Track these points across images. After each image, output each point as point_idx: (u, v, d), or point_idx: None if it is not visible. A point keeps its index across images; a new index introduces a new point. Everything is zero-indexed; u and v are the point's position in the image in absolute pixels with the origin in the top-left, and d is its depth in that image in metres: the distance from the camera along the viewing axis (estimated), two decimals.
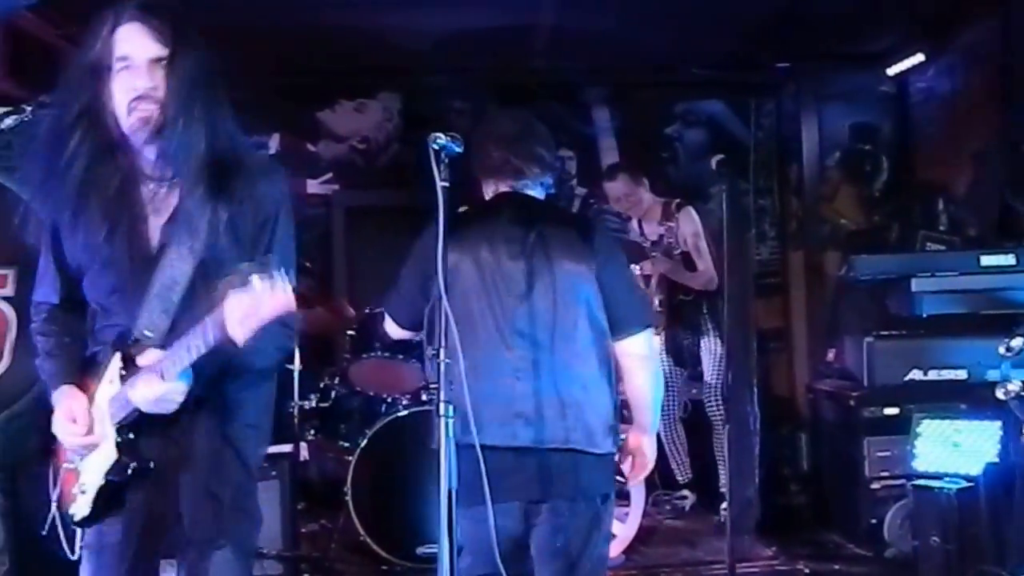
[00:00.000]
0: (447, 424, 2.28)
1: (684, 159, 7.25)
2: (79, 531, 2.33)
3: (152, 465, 2.24)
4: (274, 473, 4.44)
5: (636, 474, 2.99)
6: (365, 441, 4.71)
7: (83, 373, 2.31)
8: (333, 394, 5.29)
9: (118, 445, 2.22)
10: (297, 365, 4.82)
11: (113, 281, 2.24)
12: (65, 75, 2.20)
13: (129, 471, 2.22)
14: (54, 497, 2.38)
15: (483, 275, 2.78)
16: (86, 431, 2.26)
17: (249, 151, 2.35)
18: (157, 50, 2.15)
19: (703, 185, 6.87)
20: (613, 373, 2.84)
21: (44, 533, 2.36)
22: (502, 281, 2.77)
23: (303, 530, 4.98)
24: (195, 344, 2.01)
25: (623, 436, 2.92)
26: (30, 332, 2.43)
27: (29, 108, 2.24)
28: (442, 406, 2.29)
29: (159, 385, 2.10)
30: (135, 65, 2.14)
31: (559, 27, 5.90)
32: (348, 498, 4.62)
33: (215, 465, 2.26)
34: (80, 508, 2.31)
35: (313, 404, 5.20)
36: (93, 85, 2.16)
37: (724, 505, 5.04)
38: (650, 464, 2.99)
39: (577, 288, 2.77)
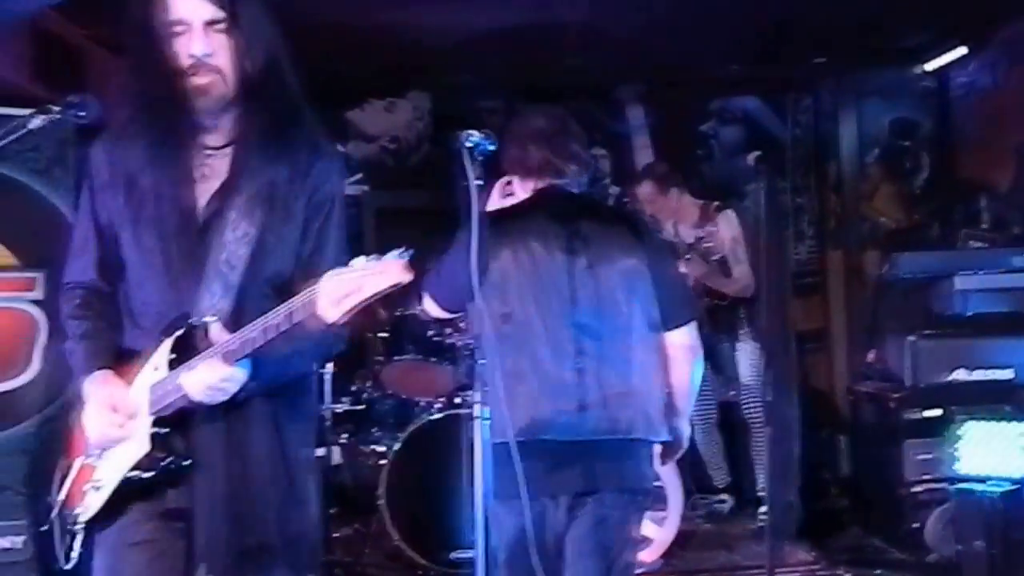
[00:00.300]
0: (482, 426, 2.28)
1: (719, 156, 7.18)
2: (77, 536, 2.17)
3: (189, 463, 2.09)
4: None
5: (671, 456, 3.08)
6: (398, 445, 4.68)
7: (119, 361, 2.17)
8: (365, 397, 5.27)
9: (153, 437, 2.08)
10: (329, 368, 4.81)
11: (155, 246, 2.10)
12: (126, 33, 2.09)
13: (161, 466, 2.08)
14: (59, 496, 2.22)
15: (532, 271, 2.78)
16: (124, 421, 2.11)
17: (314, 127, 2.21)
18: (212, 11, 2.03)
19: (739, 183, 6.76)
20: (662, 363, 2.90)
21: (41, 534, 2.24)
22: (551, 276, 2.78)
23: (336, 535, 4.96)
24: (273, 325, 1.90)
25: None
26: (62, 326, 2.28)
27: (57, 109, 2.20)
28: (476, 408, 2.31)
29: (221, 369, 1.98)
30: (190, 29, 2.02)
31: (591, 24, 5.85)
32: (382, 503, 4.58)
33: (266, 467, 2.12)
34: (89, 506, 2.15)
35: (345, 407, 5.18)
36: (152, 46, 2.04)
37: (763, 509, 4.97)
38: (684, 446, 3.07)
39: (627, 281, 2.82)
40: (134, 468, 2.09)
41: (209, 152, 2.11)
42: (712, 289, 5.50)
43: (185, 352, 2.07)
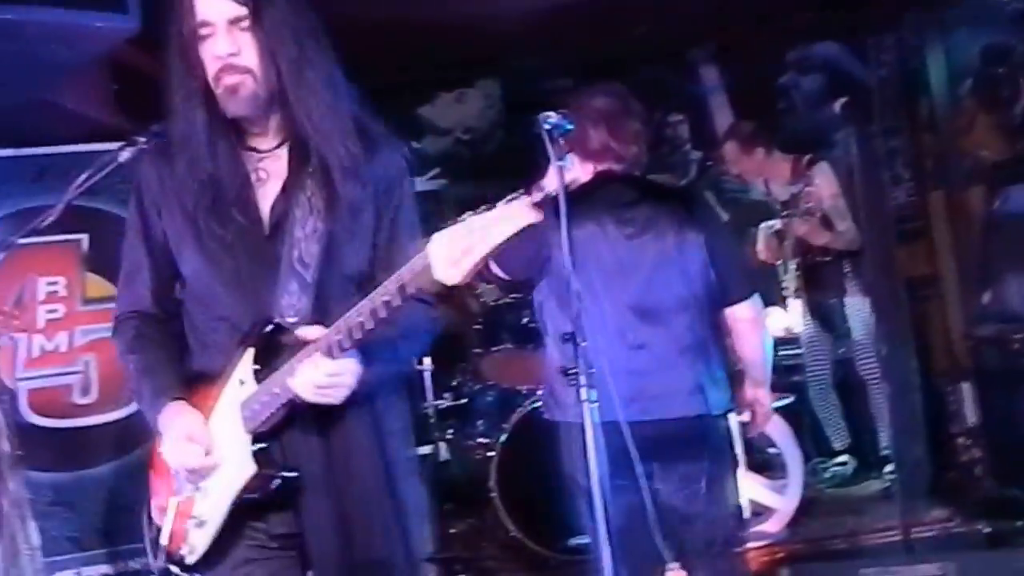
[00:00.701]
0: (591, 410, 2.24)
1: (802, 108, 6.95)
2: None
3: (297, 475, 1.97)
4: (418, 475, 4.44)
5: (758, 424, 3.20)
6: (504, 435, 4.65)
7: (189, 388, 2.06)
8: (466, 391, 5.27)
9: (256, 456, 1.96)
10: (428, 365, 4.80)
11: (222, 257, 2.01)
12: (165, 44, 2.01)
13: (271, 485, 1.95)
14: (161, 539, 2.09)
15: (595, 254, 2.85)
16: (207, 451, 2.00)
17: (366, 116, 2.11)
18: (234, 8, 1.92)
19: (826, 133, 6.54)
20: (723, 337, 3.02)
21: None
22: (614, 258, 2.88)
23: (452, 531, 4.96)
24: (382, 303, 1.79)
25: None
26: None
27: (143, 139, 2.19)
28: (583, 391, 2.25)
29: (327, 364, 1.86)
30: (215, 30, 1.93)
31: None
32: (494, 495, 4.57)
33: (370, 472, 2.02)
34: (196, 546, 2.02)
35: (448, 403, 5.19)
36: (184, 52, 1.97)
37: (889, 468, 4.80)
38: (769, 413, 3.20)
39: (684, 259, 2.90)
40: (243, 492, 1.97)
41: (262, 154, 2.05)
42: (814, 246, 5.31)
43: (270, 359, 1.96)
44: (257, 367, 1.96)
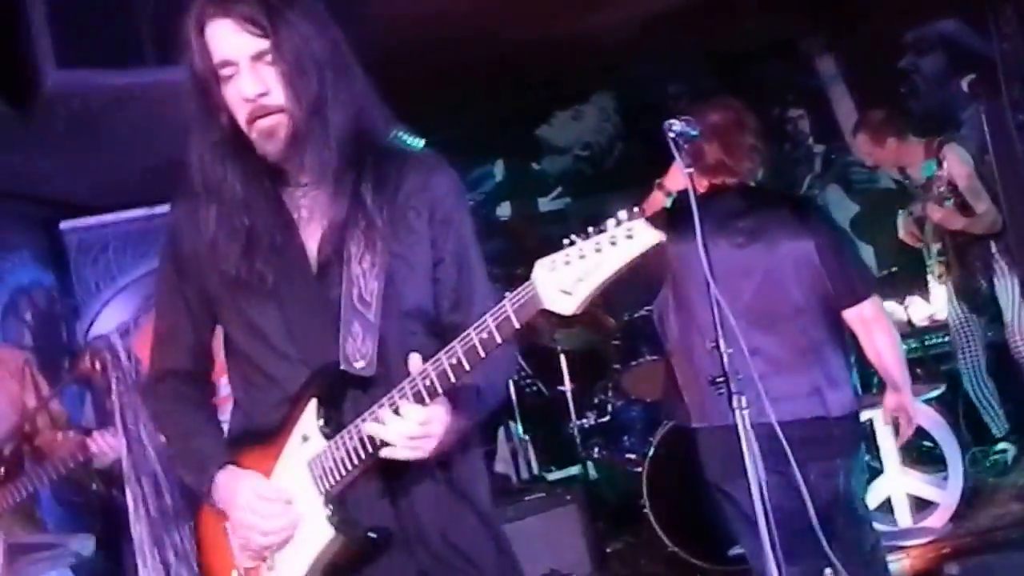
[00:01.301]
0: (743, 416, 2.33)
1: (925, 89, 6.71)
2: None
3: (387, 531, 1.76)
4: (568, 497, 4.42)
5: (906, 433, 3.15)
6: (652, 450, 4.56)
7: (239, 451, 1.87)
8: (610, 408, 5.22)
9: (332, 520, 1.74)
10: (568, 385, 4.76)
11: (267, 314, 1.83)
12: (187, 100, 1.83)
13: (360, 548, 1.75)
14: None
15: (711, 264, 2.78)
16: (283, 515, 1.77)
17: (406, 145, 1.96)
18: (255, 44, 1.72)
19: (952, 112, 6.33)
20: (846, 339, 3.00)
21: None
22: (725, 267, 2.79)
23: (608, 550, 4.90)
24: (480, 340, 1.61)
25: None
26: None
27: None
28: (735, 399, 2.34)
29: (418, 412, 1.66)
30: (238, 70, 1.74)
31: None
32: (647, 510, 4.47)
33: (455, 523, 1.84)
34: None
35: (592, 421, 5.15)
36: (209, 97, 1.77)
37: None
38: (915, 419, 3.13)
39: (797, 267, 2.91)
40: (322, 558, 1.75)
41: (303, 191, 1.85)
42: (955, 231, 5.08)
43: (336, 411, 1.77)
44: (323, 421, 1.77)
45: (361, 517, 1.76)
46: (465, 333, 1.62)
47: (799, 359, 2.91)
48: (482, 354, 1.61)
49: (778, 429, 2.36)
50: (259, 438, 1.83)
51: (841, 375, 2.96)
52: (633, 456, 5.01)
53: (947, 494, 4.49)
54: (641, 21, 5.83)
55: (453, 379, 1.64)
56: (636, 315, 4.90)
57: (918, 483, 4.51)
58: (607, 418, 5.19)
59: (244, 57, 1.72)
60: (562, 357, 5.18)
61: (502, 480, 4.95)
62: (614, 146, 7.00)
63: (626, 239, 1.51)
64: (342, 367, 1.75)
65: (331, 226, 1.82)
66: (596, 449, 5.21)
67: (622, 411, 5.15)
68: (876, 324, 2.99)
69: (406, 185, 1.85)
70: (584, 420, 5.05)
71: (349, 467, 1.72)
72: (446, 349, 1.64)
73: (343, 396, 1.78)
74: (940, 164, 5.02)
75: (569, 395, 4.77)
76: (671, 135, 2.43)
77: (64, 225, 4.10)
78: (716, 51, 6.50)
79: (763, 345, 2.86)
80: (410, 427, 1.66)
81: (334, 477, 1.73)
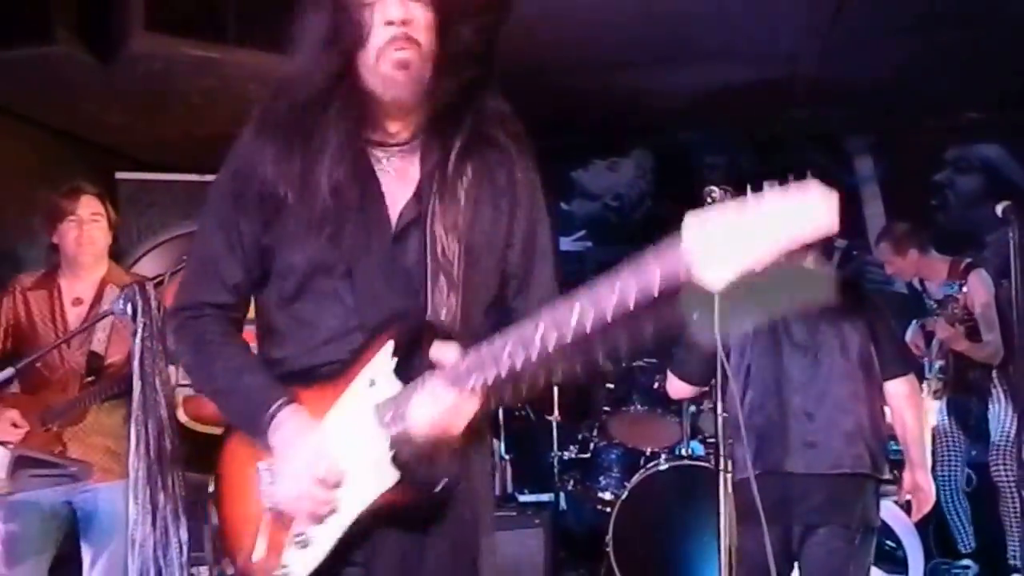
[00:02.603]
0: (726, 479, 2.58)
1: (955, 206, 6.79)
2: None
3: (454, 484, 1.64)
4: (537, 521, 4.50)
5: (922, 510, 3.32)
6: (625, 493, 4.65)
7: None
8: (592, 445, 5.29)
9: (400, 464, 1.61)
10: (556, 416, 4.87)
11: (338, 266, 1.69)
12: (301, 29, 1.70)
13: (428, 491, 1.62)
14: (254, 555, 1.73)
15: (768, 337, 3.15)
16: (339, 465, 1.64)
17: (507, 116, 1.80)
18: None
19: (977, 233, 6.39)
20: (881, 410, 3.20)
21: None
22: (784, 338, 3.16)
23: None
24: (563, 322, 1.37)
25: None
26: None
27: None
28: (721, 461, 2.56)
29: (446, 397, 1.54)
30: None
31: (820, 76, 5.73)
32: (609, 549, 4.55)
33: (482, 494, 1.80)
34: (294, 567, 1.68)
35: (572, 455, 5.23)
36: (340, 13, 1.66)
37: None
38: (931, 498, 3.30)
39: (848, 339, 3.15)
40: (381, 507, 1.62)
41: (392, 151, 1.75)
42: (958, 352, 5.16)
43: (411, 358, 1.63)
44: (397, 366, 1.63)
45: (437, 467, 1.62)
46: (567, 301, 1.39)
47: (848, 420, 3.10)
48: (608, 312, 1.32)
49: (753, 484, 2.43)
50: (306, 379, 1.70)
51: (879, 440, 3.16)
52: (606, 496, 5.10)
53: None
54: (694, 92, 5.97)
55: (503, 371, 1.46)
56: (635, 364, 5.00)
57: None
58: (588, 455, 5.26)
59: None
60: (555, 389, 5.28)
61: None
62: (643, 202, 7.12)
63: (803, 211, 1.17)
64: (429, 317, 1.65)
65: (418, 184, 1.72)
66: (572, 482, 5.28)
67: (603, 451, 5.23)
68: (908, 399, 3.21)
69: (490, 160, 1.75)
70: (565, 452, 5.14)
71: (406, 423, 1.59)
72: (522, 330, 1.44)
73: (421, 346, 1.61)
74: (961, 286, 5.10)
75: (555, 426, 4.87)
76: (708, 202, 2.54)
77: (120, 175, 4.28)
78: (760, 132, 6.62)
79: (816, 408, 3.10)
80: (433, 410, 1.55)
81: (403, 422, 1.59)
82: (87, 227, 3.37)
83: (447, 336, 1.61)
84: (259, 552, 1.71)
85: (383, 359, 1.63)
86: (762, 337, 3.15)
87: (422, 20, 1.65)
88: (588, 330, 1.36)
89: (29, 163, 4.16)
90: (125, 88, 3.69)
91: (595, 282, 1.35)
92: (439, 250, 1.68)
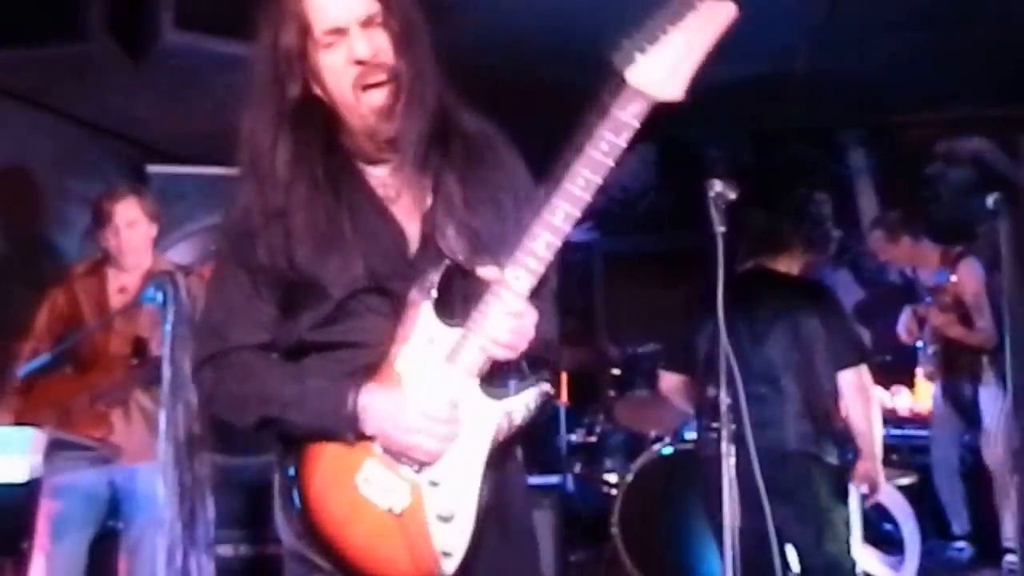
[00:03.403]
0: (729, 463, 2.63)
1: (946, 198, 6.85)
2: None
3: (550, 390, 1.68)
4: (546, 503, 4.56)
5: (872, 500, 3.47)
6: (631, 476, 4.73)
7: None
8: (598, 429, 5.37)
9: (499, 396, 1.61)
10: (564, 400, 4.94)
11: (368, 280, 1.67)
12: (251, 76, 1.69)
13: (535, 407, 1.64)
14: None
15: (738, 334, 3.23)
16: (454, 410, 1.61)
17: (483, 120, 1.80)
18: (365, 7, 1.62)
19: (968, 224, 6.43)
20: (832, 398, 3.38)
21: None
22: (746, 334, 3.31)
23: (571, 559, 5.05)
24: (594, 158, 1.57)
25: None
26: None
27: None
28: (723, 445, 2.61)
29: (515, 301, 1.57)
30: (345, 34, 1.61)
31: (815, 71, 5.79)
32: (616, 530, 4.63)
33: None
34: (453, 546, 1.62)
35: (579, 439, 5.30)
36: (292, 70, 1.63)
37: (1010, 558, 4.66)
38: (881, 488, 3.43)
39: (805, 333, 3.34)
40: (498, 438, 1.61)
41: (384, 169, 1.72)
42: (951, 338, 5.23)
43: (450, 304, 1.64)
44: (442, 317, 1.62)
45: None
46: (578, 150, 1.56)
47: (802, 407, 3.28)
48: (609, 162, 1.57)
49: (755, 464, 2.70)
50: (358, 371, 1.65)
51: (830, 425, 3.33)
52: (612, 478, 5.19)
53: None
54: (694, 87, 5.99)
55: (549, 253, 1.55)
56: (639, 350, 5.08)
57: (875, 561, 4.57)
58: (594, 438, 5.34)
59: (354, 21, 1.61)
60: (563, 374, 5.37)
61: None
62: (647, 194, 7.19)
63: (707, 22, 1.56)
64: (448, 262, 1.64)
65: (428, 204, 1.70)
66: (579, 464, 5.37)
67: (609, 435, 5.32)
68: (860, 391, 3.30)
69: (487, 162, 1.75)
70: (572, 436, 5.22)
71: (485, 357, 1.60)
72: (553, 193, 1.56)
73: (453, 292, 1.65)
74: (952, 274, 5.17)
75: (562, 410, 4.95)
76: (711, 194, 2.56)
77: (151, 168, 4.33)
78: (758, 127, 6.68)
79: (773, 395, 3.29)
80: (507, 322, 1.56)
81: (481, 357, 1.59)
82: (124, 234, 3.47)
83: (469, 274, 1.63)
84: (408, 564, 1.61)
85: (427, 320, 1.62)
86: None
87: (387, 44, 1.63)
88: (596, 187, 1.55)
89: (62, 156, 4.23)
90: (154, 83, 3.74)
91: (581, 150, 1.56)
92: (444, 245, 1.67)
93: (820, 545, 3.25)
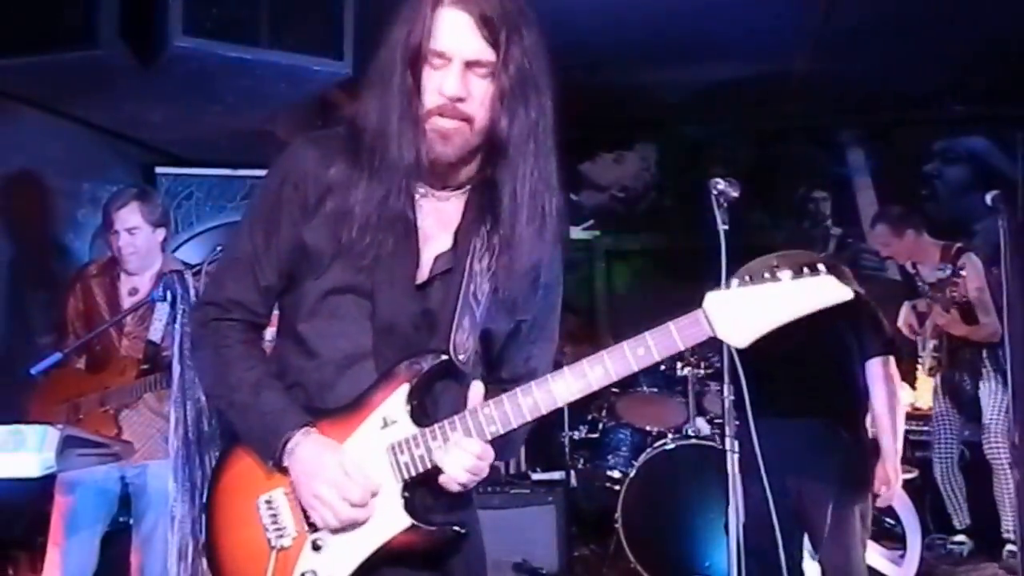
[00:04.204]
0: (734, 459, 2.65)
1: (944, 195, 6.85)
2: None
3: (463, 531, 1.66)
4: (550, 498, 4.57)
5: (887, 498, 3.43)
6: (633, 472, 4.72)
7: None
8: (600, 426, 5.36)
9: (408, 506, 1.61)
10: None
11: (359, 299, 1.66)
12: (383, 54, 1.64)
13: (433, 538, 1.63)
14: None
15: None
16: (368, 499, 1.60)
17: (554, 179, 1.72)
18: (479, 51, 1.57)
19: (966, 221, 6.45)
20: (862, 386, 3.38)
21: None
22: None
23: (576, 553, 5.05)
24: (627, 356, 1.57)
25: None
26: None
27: None
28: (728, 441, 2.63)
29: (475, 445, 1.58)
30: (448, 65, 1.58)
31: (814, 72, 5.80)
32: (619, 525, 4.63)
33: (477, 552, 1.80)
34: None
35: (582, 435, 5.30)
36: (405, 72, 1.60)
37: (1010, 548, 4.65)
38: (896, 485, 3.41)
39: (840, 326, 3.28)
40: (389, 546, 1.61)
41: (435, 196, 1.69)
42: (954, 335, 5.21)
43: (427, 399, 1.64)
44: (414, 408, 1.62)
45: (447, 512, 1.66)
46: (618, 345, 1.57)
47: (834, 389, 3.29)
48: (634, 367, 1.57)
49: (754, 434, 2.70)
50: (316, 413, 1.65)
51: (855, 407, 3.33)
52: (615, 474, 5.18)
53: (901, 571, 4.57)
54: (695, 88, 6.03)
55: (529, 417, 1.58)
56: None
57: (877, 556, 4.56)
58: (596, 435, 5.33)
59: (459, 58, 1.57)
60: None
61: (492, 470, 5.11)
62: (648, 193, 7.21)
63: (815, 291, 1.53)
64: (449, 357, 1.62)
65: (456, 230, 1.69)
66: (581, 461, 5.36)
67: (611, 431, 5.31)
68: (884, 380, 3.30)
69: (524, 216, 1.67)
70: (575, 432, 5.22)
71: (424, 466, 1.60)
72: (588, 359, 1.58)
73: (436, 386, 1.65)
74: (957, 272, 5.13)
75: (565, 407, 4.93)
76: (714, 192, 2.53)
77: (160, 170, 4.36)
78: (757, 126, 6.69)
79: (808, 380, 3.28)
80: (467, 461, 1.57)
81: (420, 466, 1.60)
82: (123, 239, 3.47)
83: (460, 375, 1.65)
84: None
85: (398, 400, 1.61)
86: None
87: (483, 97, 1.59)
88: (612, 381, 1.57)
89: (75, 160, 4.26)
90: (165, 88, 3.76)
91: (620, 344, 1.57)
92: (472, 289, 1.66)
93: (837, 536, 3.25)
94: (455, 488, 1.60)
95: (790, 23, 5.21)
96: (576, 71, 5.65)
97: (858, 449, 3.33)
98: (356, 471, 1.59)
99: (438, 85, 1.57)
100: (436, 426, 1.60)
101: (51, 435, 2.92)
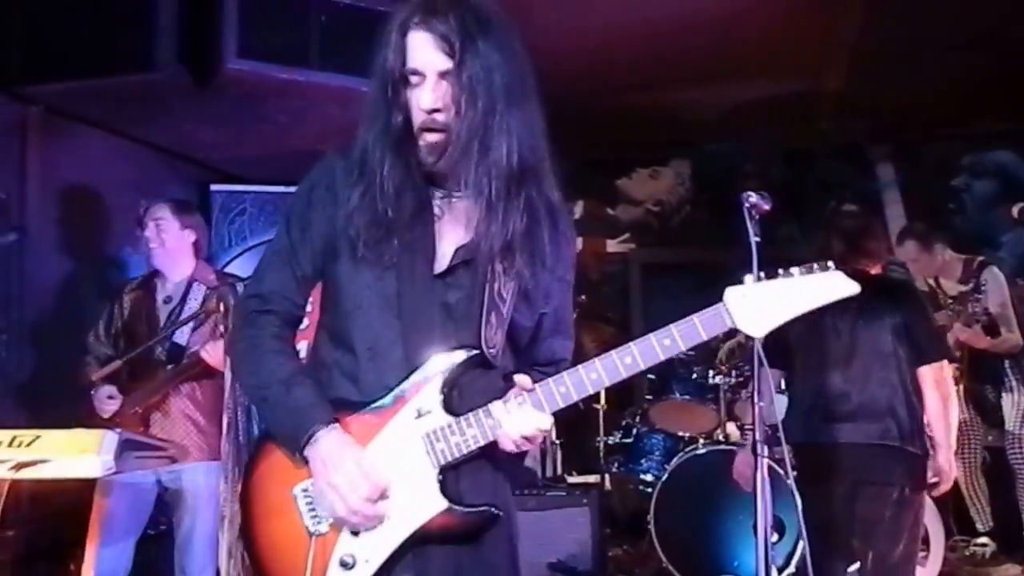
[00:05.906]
0: (762, 464, 2.41)
1: (971, 209, 6.67)
2: None
3: (499, 510, 1.69)
4: (585, 501, 4.52)
5: (941, 490, 3.37)
6: (666, 476, 4.65)
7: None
8: (635, 431, 5.29)
9: (448, 492, 1.64)
10: (603, 404, 4.88)
11: (382, 293, 1.69)
12: (370, 87, 1.71)
13: (470, 519, 1.66)
14: None
15: (827, 334, 3.29)
16: (385, 493, 1.64)
17: (549, 175, 1.75)
18: (442, 62, 1.62)
19: (992, 234, 6.29)
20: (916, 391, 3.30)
21: None
22: (838, 336, 3.29)
23: (609, 554, 4.99)
24: (659, 346, 1.61)
25: None
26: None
27: None
28: (758, 446, 2.43)
29: (538, 417, 1.62)
30: (424, 80, 1.64)
31: (844, 90, 5.68)
32: (651, 527, 4.56)
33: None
34: None
35: (617, 440, 5.24)
36: (396, 93, 1.66)
37: None
38: (948, 476, 3.32)
39: (892, 331, 3.25)
40: (428, 532, 1.64)
41: (452, 195, 1.73)
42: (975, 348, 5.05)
43: (458, 389, 1.67)
44: (446, 397, 1.65)
45: (482, 495, 1.69)
46: (644, 337, 1.61)
47: (886, 398, 3.23)
48: (661, 356, 1.61)
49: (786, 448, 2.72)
50: (349, 405, 1.67)
51: (912, 419, 3.24)
52: (648, 478, 5.10)
53: (925, 572, 4.43)
54: (728, 106, 5.94)
55: (578, 396, 1.62)
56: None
57: None
58: (630, 440, 5.27)
59: (431, 72, 1.63)
60: None
61: (530, 474, 5.07)
62: (682, 207, 7.12)
63: (824, 287, 1.62)
64: (480, 351, 1.66)
65: (477, 228, 1.69)
66: (615, 465, 5.30)
67: (645, 437, 5.23)
68: (937, 385, 3.26)
69: (538, 216, 1.72)
70: (610, 437, 5.16)
71: (472, 446, 1.64)
72: (617, 349, 1.62)
73: (466, 377, 1.67)
74: (979, 287, 4.98)
75: (601, 413, 4.88)
76: (746, 205, 2.50)
77: (214, 187, 4.38)
78: (790, 143, 6.58)
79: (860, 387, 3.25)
80: (525, 427, 1.61)
81: (455, 452, 1.64)
82: (150, 231, 3.48)
83: (488, 368, 1.68)
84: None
85: (431, 392, 1.65)
86: (809, 325, 3.18)
87: (450, 101, 1.64)
88: (636, 371, 1.63)
89: (133, 178, 4.29)
90: (219, 109, 3.78)
91: (648, 334, 1.62)
92: (496, 287, 1.69)
93: (892, 536, 3.20)
94: (509, 448, 1.64)
95: (822, 44, 5.11)
96: (616, 94, 5.65)
97: (918, 456, 3.26)
98: (371, 469, 1.62)
99: (418, 101, 1.64)
100: (471, 414, 1.64)
101: (109, 438, 2.93)
